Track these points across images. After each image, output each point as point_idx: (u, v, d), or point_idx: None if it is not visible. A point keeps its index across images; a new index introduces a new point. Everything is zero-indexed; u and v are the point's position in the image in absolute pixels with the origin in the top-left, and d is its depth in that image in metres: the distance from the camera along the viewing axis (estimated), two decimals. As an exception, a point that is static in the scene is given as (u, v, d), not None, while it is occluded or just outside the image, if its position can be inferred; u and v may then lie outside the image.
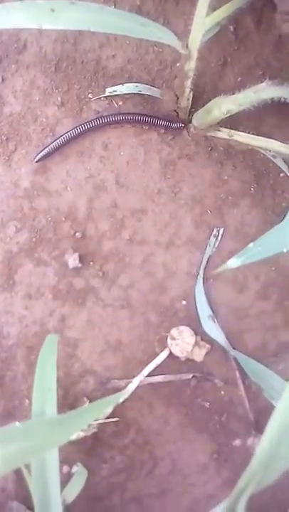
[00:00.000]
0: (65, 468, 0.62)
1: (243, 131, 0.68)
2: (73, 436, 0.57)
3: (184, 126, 0.67)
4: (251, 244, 0.42)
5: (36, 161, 0.67)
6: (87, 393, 0.67)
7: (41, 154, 0.66)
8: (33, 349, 0.67)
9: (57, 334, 0.61)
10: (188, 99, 0.63)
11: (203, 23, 0.52)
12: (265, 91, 0.60)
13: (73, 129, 0.66)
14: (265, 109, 0.69)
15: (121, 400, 0.62)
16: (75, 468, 0.61)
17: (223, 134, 0.65)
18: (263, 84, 0.60)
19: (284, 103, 0.65)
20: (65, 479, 0.59)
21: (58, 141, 0.66)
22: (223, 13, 0.56)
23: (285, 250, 0.43)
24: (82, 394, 0.66)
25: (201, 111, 0.63)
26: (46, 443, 0.44)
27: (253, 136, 0.63)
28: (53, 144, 0.66)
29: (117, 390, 0.66)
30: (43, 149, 0.66)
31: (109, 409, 0.61)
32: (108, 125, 0.67)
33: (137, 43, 0.67)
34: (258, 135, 0.68)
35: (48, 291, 0.68)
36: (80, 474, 0.59)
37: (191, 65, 0.56)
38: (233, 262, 0.42)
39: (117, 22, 0.49)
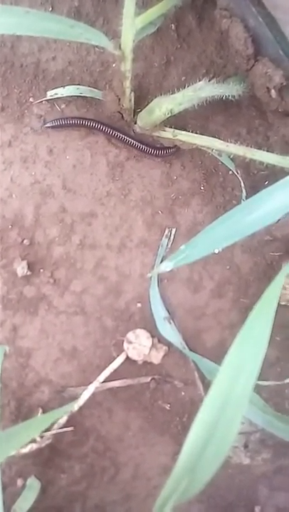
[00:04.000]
0: (20, 482, 0.61)
1: (190, 131, 0.68)
2: (26, 449, 0.56)
3: (176, 150, 0.67)
4: (183, 247, 0.42)
5: (46, 127, 0.65)
6: (43, 403, 0.65)
7: (52, 123, 0.65)
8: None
9: (6, 345, 0.60)
10: (130, 100, 0.62)
11: (132, 23, 0.51)
12: (204, 89, 0.60)
13: (89, 120, 0.66)
14: (213, 107, 0.69)
15: (76, 408, 0.61)
16: (29, 481, 0.60)
17: (168, 133, 0.64)
18: (201, 82, 0.59)
19: (230, 101, 0.65)
20: (20, 493, 0.58)
21: (72, 119, 0.65)
22: (156, 11, 0.55)
23: (216, 251, 0.43)
24: (37, 404, 0.65)
25: (143, 112, 0.63)
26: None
27: (195, 135, 0.63)
28: (68, 119, 0.65)
29: (75, 398, 0.65)
30: (57, 119, 0.65)
31: (63, 419, 0.60)
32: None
33: (77, 44, 0.66)
34: (205, 134, 0.68)
35: (-2, 301, 0.67)
36: (31, 487, 0.58)
37: (127, 66, 0.56)
38: (166, 266, 0.42)
39: (44, 25, 0.48)
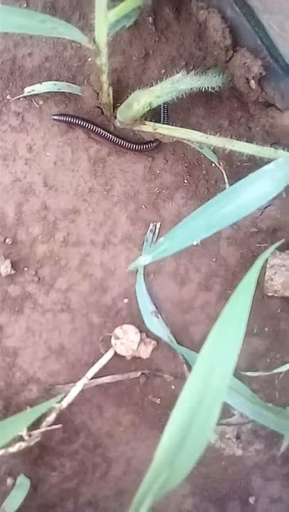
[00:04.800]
0: (9, 481, 0.61)
1: (171, 124, 0.67)
2: (14, 448, 0.56)
3: (157, 144, 0.67)
4: (161, 239, 0.42)
5: (54, 118, 0.65)
6: (31, 402, 0.65)
7: (60, 117, 0.65)
8: None
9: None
10: (108, 95, 0.62)
11: (105, 16, 0.50)
12: (183, 81, 0.60)
13: (94, 125, 0.66)
14: (194, 100, 0.69)
15: (64, 405, 0.61)
16: (19, 480, 0.60)
17: (148, 127, 0.64)
18: (179, 74, 0.59)
19: (211, 93, 0.65)
20: (10, 492, 0.58)
21: (81, 120, 0.65)
22: (130, 4, 0.55)
23: (194, 243, 0.43)
24: (26, 403, 0.65)
25: (122, 106, 0.62)
26: None
27: (175, 128, 0.62)
28: (76, 119, 0.65)
29: (63, 395, 0.65)
30: (66, 115, 0.65)
31: (51, 416, 0.60)
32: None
33: (53, 40, 0.66)
34: (186, 127, 0.68)
35: (-18, 301, 0.66)
36: (21, 485, 0.58)
37: (102, 60, 0.55)
38: (144, 259, 0.41)
39: (14, 20, 0.47)
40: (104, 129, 0.66)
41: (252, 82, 0.62)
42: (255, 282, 0.39)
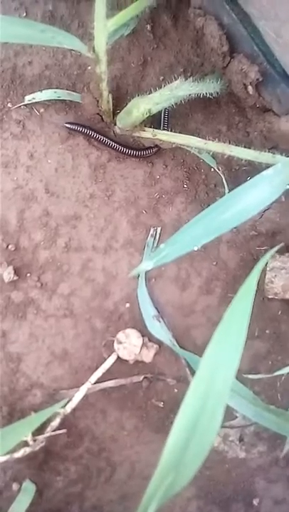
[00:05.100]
0: (15, 486, 0.61)
1: (170, 130, 0.68)
2: (19, 454, 0.56)
3: (157, 150, 0.68)
4: (163, 245, 0.42)
5: (66, 126, 0.66)
6: (36, 407, 0.66)
7: (72, 125, 0.66)
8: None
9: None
10: (108, 102, 0.63)
11: (104, 25, 0.51)
12: (181, 88, 0.60)
13: (104, 136, 0.67)
14: (192, 106, 0.70)
15: (68, 410, 0.62)
16: (24, 485, 0.60)
17: (148, 133, 0.65)
18: (178, 81, 0.60)
19: (210, 99, 0.66)
20: (15, 497, 0.59)
21: (91, 130, 0.67)
22: (129, 13, 0.56)
23: (195, 248, 0.43)
24: (30, 408, 0.65)
25: (122, 113, 0.63)
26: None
27: (174, 134, 0.63)
28: (86, 129, 0.67)
29: (67, 400, 0.65)
30: (78, 124, 0.66)
31: (56, 421, 0.60)
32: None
33: (53, 48, 0.66)
34: (185, 132, 0.68)
35: (-14, 307, 0.67)
36: (26, 490, 0.58)
37: (102, 68, 0.56)
38: (146, 265, 0.42)
39: (14, 30, 0.48)
40: (112, 140, 0.68)
41: (249, 87, 0.63)
42: (256, 285, 0.39)
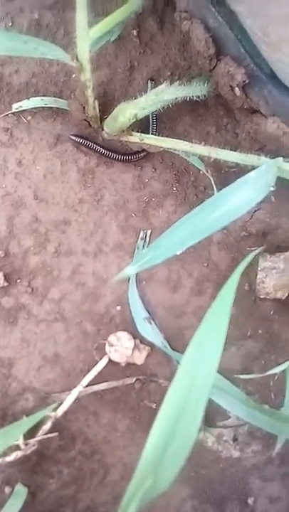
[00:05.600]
0: (7, 489, 0.62)
1: (158, 134, 0.68)
2: (11, 457, 0.57)
3: (144, 155, 0.69)
4: (146, 249, 0.43)
5: (71, 138, 0.68)
6: (28, 411, 0.66)
7: (77, 138, 0.68)
8: None
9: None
10: (94, 108, 0.63)
11: (86, 34, 0.52)
12: (167, 92, 0.61)
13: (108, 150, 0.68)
14: (181, 109, 0.70)
15: (60, 413, 0.62)
16: (16, 488, 0.61)
17: (135, 138, 0.65)
18: (163, 85, 0.60)
19: (198, 101, 0.66)
20: (7, 500, 0.59)
21: (94, 145, 0.68)
22: (112, 21, 0.56)
23: (178, 253, 0.44)
24: (22, 412, 0.66)
25: (109, 118, 0.64)
26: None
27: (161, 138, 0.63)
28: (90, 143, 0.68)
29: (60, 403, 0.66)
30: (82, 137, 0.68)
31: (47, 425, 0.61)
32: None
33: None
34: (173, 135, 0.69)
35: (-23, 313, 0.67)
36: (18, 493, 0.59)
37: (86, 76, 0.56)
38: (130, 270, 0.42)
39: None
40: (115, 152, 0.69)
41: (236, 89, 0.63)
42: (237, 283, 0.40)
